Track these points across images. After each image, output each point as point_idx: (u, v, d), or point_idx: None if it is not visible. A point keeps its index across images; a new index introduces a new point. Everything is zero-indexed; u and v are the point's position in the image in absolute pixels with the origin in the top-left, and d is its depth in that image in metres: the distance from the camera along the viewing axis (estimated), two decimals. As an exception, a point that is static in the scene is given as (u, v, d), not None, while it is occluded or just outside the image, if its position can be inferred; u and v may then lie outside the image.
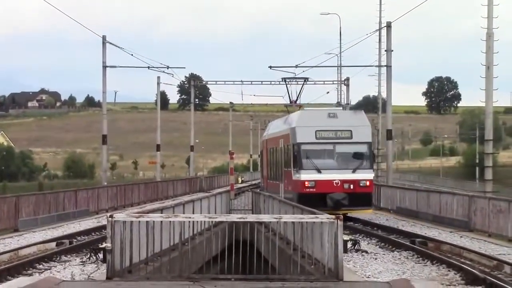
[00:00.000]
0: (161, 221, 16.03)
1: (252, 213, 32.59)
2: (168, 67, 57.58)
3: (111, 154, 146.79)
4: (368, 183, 33.26)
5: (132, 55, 52.65)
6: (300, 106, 43.16)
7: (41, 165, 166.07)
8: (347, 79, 61.19)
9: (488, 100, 36.29)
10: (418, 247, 23.79)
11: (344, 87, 62.13)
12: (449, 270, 19.56)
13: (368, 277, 18.69)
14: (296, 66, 50.27)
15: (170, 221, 16.66)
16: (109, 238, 14.41)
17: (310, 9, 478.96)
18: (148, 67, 55.75)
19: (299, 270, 15.81)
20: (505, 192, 74.31)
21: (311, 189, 32.77)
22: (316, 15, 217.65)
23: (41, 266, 20.28)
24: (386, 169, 49.33)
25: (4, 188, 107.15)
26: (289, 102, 44.85)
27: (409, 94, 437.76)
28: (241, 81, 63.98)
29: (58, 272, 19.11)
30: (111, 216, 14.51)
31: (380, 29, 61.06)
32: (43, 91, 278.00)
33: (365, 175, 33.27)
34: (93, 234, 28.95)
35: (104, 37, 50.86)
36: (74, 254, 22.62)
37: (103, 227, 28.70)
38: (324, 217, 14.92)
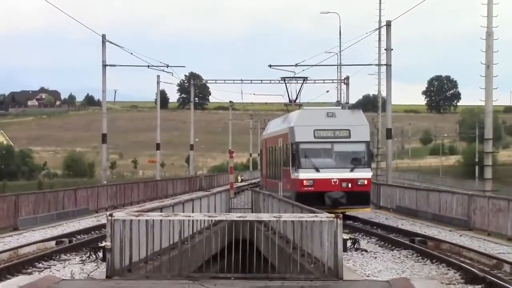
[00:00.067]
0: (161, 220, 16.04)
1: (252, 212, 32.58)
2: (168, 66, 57.30)
3: (110, 153, 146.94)
4: (366, 181, 33.32)
5: (132, 54, 52.49)
6: (300, 105, 43.20)
7: (40, 164, 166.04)
8: (347, 78, 61.08)
9: (487, 99, 36.29)
10: (417, 246, 23.80)
11: (344, 86, 62.14)
12: (448, 269, 19.56)
13: (368, 276, 18.68)
14: (296, 65, 50.21)
15: (169, 220, 16.68)
16: (109, 237, 14.41)
17: (310, 8, 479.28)
18: (148, 66, 55.62)
19: (298, 269, 15.82)
20: (505, 191, 74.11)
21: (309, 188, 32.82)
22: (316, 14, 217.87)
23: (40, 265, 20.26)
24: (386, 168, 49.37)
25: (3, 187, 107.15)
26: (288, 101, 44.88)
27: (409, 93, 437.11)
28: (241, 80, 63.80)
29: (57, 270, 19.09)
30: (110, 215, 14.51)
31: (380, 28, 60.92)
32: (43, 90, 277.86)
33: (363, 174, 33.32)
34: (92, 233, 28.96)
35: (104, 36, 50.82)
36: (73, 253, 22.62)
37: (103, 226, 28.68)
38: (323, 216, 14.92)
